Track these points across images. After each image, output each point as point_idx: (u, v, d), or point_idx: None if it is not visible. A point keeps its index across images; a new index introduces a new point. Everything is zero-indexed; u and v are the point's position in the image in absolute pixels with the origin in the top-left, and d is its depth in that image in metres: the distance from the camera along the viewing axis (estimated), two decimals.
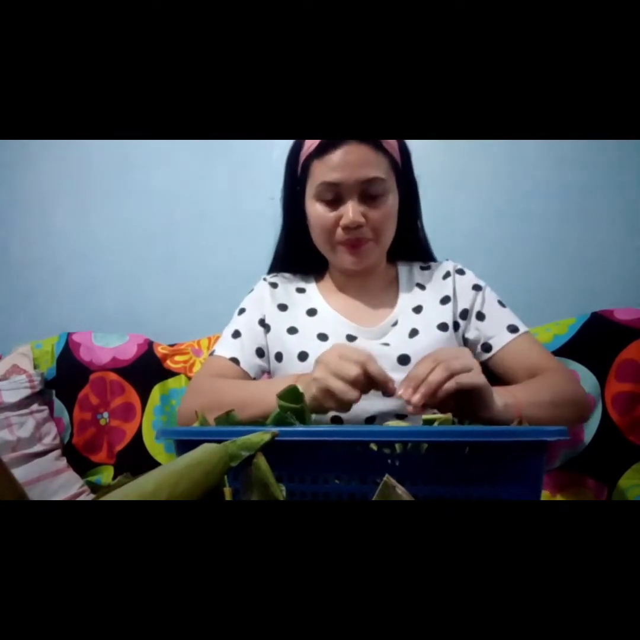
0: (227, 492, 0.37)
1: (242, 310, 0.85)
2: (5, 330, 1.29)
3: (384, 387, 0.57)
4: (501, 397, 0.58)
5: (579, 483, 0.90)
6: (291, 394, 0.49)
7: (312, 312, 0.82)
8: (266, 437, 0.38)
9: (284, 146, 0.81)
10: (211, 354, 0.82)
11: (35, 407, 1.03)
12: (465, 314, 0.80)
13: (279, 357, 0.79)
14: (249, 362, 0.79)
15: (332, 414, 0.68)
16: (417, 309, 0.80)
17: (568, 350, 0.93)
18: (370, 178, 0.71)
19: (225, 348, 0.80)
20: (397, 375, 0.72)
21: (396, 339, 0.77)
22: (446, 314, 0.79)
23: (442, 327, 0.77)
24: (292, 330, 0.80)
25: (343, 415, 0.70)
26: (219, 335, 1.08)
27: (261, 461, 0.37)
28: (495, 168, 1.20)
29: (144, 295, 1.30)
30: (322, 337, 0.78)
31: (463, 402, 0.55)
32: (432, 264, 0.88)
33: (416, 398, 0.53)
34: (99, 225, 1.32)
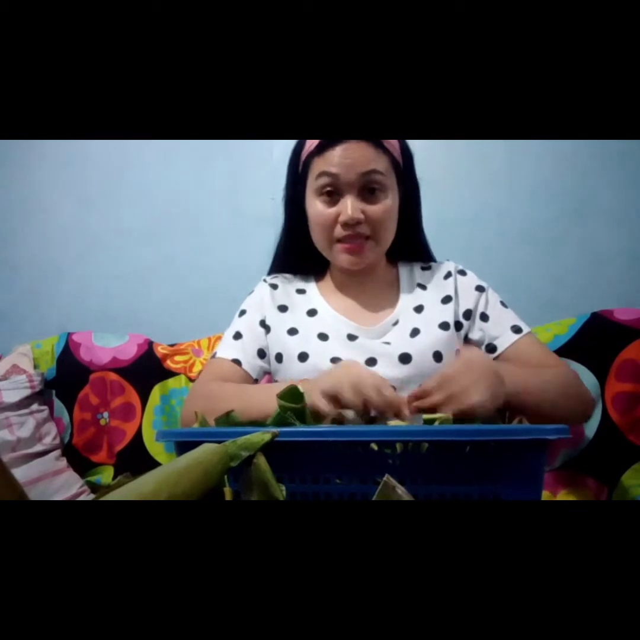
0: (227, 492, 0.37)
1: (242, 312, 0.85)
2: (5, 330, 1.28)
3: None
4: (512, 384, 0.61)
5: (579, 483, 0.90)
6: (291, 394, 0.49)
7: (312, 313, 0.82)
8: (266, 437, 0.38)
9: (284, 146, 0.81)
10: (213, 356, 0.82)
11: (35, 407, 1.03)
12: (468, 315, 0.80)
13: (279, 358, 0.79)
14: (251, 363, 0.80)
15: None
16: (418, 309, 0.80)
17: (568, 350, 0.93)
18: (369, 170, 0.71)
19: (227, 350, 0.80)
20: (398, 373, 0.72)
21: (397, 338, 0.77)
22: (447, 314, 0.79)
23: (444, 326, 0.78)
24: (293, 331, 0.80)
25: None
26: (219, 335, 1.09)
27: (261, 461, 0.37)
28: (495, 168, 1.20)
29: (144, 295, 1.30)
30: (323, 337, 0.78)
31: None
32: (433, 264, 0.88)
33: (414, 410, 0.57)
34: (99, 225, 1.32)
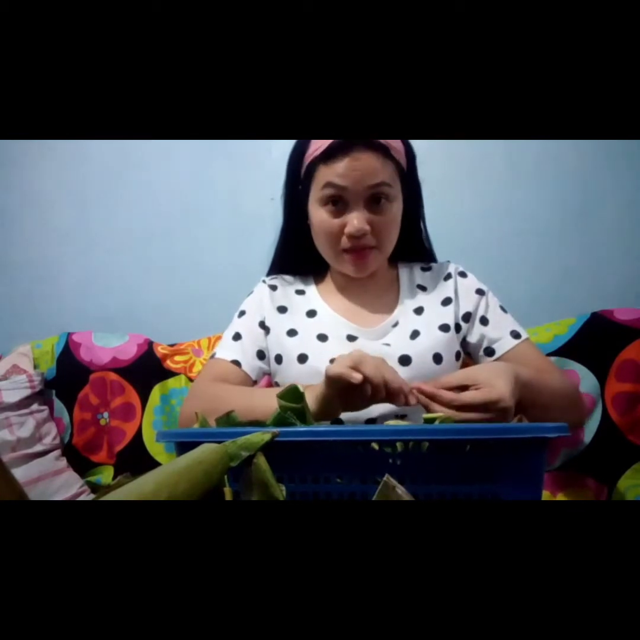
0: (227, 492, 0.37)
1: (242, 313, 0.85)
2: (5, 330, 1.28)
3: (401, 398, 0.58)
4: (521, 376, 0.61)
5: (579, 483, 0.90)
6: (291, 394, 0.49)
7: (311, 314, 0.82)
8: (266, 437, 0.38)
9: (284, 146, 0.81)
10: (212, 356, 0.82)
11: (35, 407, 1.03)
12: (467, 317, 0.80)
13: (278, 359, 0.79)
14: (250, 364, 0.79)
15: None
16: (418, 310, 0.80)
17: (568, 350, 0.93)
18: (376, 184, 0.71)
19: (226, 350, 0.80)
20: None
21: (397, 340, 0.77)
22: (447, 316, 0.79)
23: (444, 328, 0.78)
24: (292, 332, 0.80)
25: (343, 417, 0.70)
26: (219, 335, 1.09)
27: (261, 461, 0.37)
28: (495, 168, 1.20)
29: (144, 295, 1.30)
30: (322, 337, 0.78)
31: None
32: (433, 265, 0.88)
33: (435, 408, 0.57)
34: (99, 225, 1.32)
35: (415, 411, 0.72)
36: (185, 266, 1.30)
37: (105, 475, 1.06)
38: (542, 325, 0.97)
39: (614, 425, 0.88)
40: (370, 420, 0.72)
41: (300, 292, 0.87)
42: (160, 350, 1.09)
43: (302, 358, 0.76)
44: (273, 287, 0.86)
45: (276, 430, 0.40)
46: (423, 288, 0.84)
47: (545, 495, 0.90)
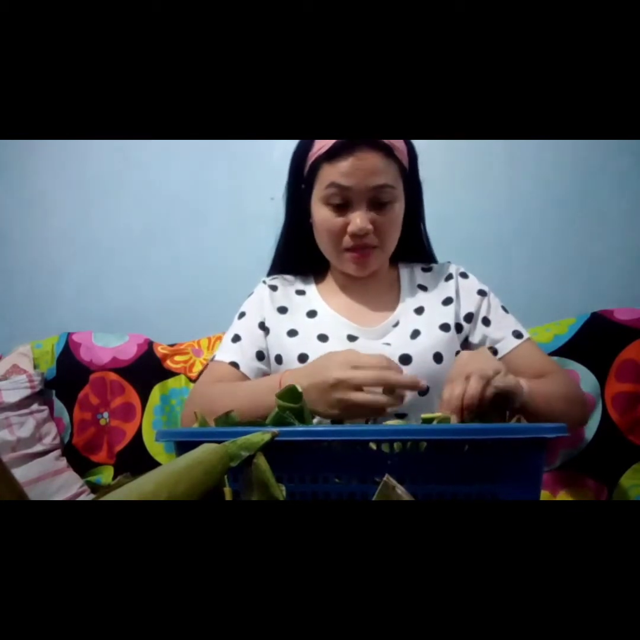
0: (227, 492, 0.37)
1: (242, 314, 0.86)
2: (5, 330, 1.28)
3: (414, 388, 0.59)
4: (525, 383, 0.62)
5: (579, 483, 0.90)
6: (290, 394, 0.49)
7: (312, 314, 0.82)
8: (266, 437, 0.38)
9: (284, 146, 0.81)
10: (212, 359, 0.82)
11: (35, 407, 1.03)
12: (469, 318, 0.80)
13: (278, 359, 0.79)
14: (249, 365, 0.79)
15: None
16: (419, 310, 0.81)
17: (568, 350, 0.93)
18: (380, 185, 0.71)
19: (225, 353, 0.80)
20: None
21: (397, 339, 0.77)
22: (448, 315, 0.79)
23: (444, 327, 0.78)
24: (292, 333, 0.80)
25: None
26: (219, 335, 1.09)
27: (261, 461, 0.37)
28: (495, 168, 1.20)
29: (144, 295, 1.30)
30: (322, 338, 0.78)
31: (499, 402, 0.58)
32: (434, 265, 0.88)
33: (466, 416, 0.56)
34: (99, 225, 1.32)
35: (415, 411, 0.72)
36: (185, 266, 1.30)
37: (105, 475, 1.06)
38: (542, 325, 0.98)
39: (614, 425, 0.88)
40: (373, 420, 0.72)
41: (300, 293, 0.87)
42: (160, 350, 1.09)
43: (303, 358, 0.76)
44: (273, 288, 0.86)
45: (276, 430, 0.40)
46: (424, 288, 0.84)
47: (545, 495, 0.90)
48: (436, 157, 1.17)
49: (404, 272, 0.87)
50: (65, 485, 0.98)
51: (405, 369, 0.72)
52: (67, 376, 1.08)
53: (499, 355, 0.77)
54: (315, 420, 0.62)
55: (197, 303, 1.28)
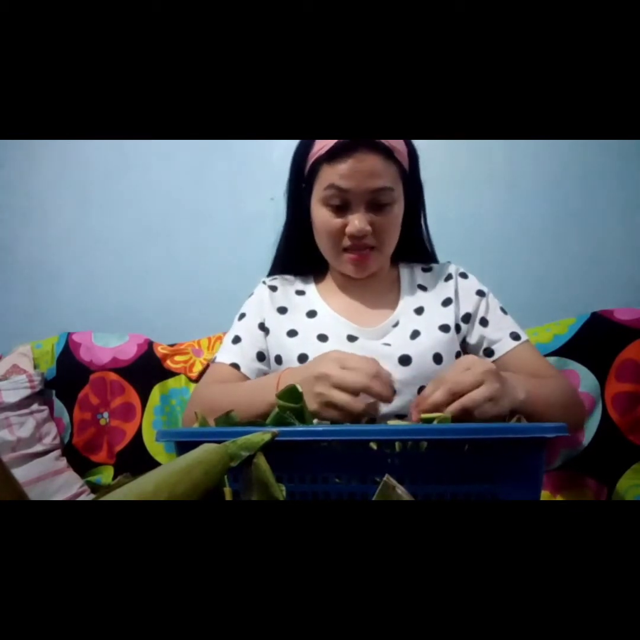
0: (227, 492, 0.37)
1: (242, 315, 0.86)
2: (5, 330, 1.28)
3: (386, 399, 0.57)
4: (524, 389, 0.60)
5: (579, 483, 0.90)
6: (290, 394, 0.49)
7: (311, 314, 0.82)
8: (266, 437, 0.38)
9: (284, 146, 0.81)
10: (213, 361, 0.82)
11: (35, 407, 1.03)
12: (467, 318, 0.80)
13: (278, 359, 0.79)
14: (250, 366, 0.80)
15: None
16: (419, 311, 0.80)
17: (568, 350, 0.93)
18: (379, 188, 0.71)
19: (226, 354, 0.81)
20: (398, 375, 0.72)
21: (397, 340, 0.77)
22: (448, 316, 0.79)
23: (444, 328, 0.78)
24: (292, 333, 0.80)
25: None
26: (219, 335, 1.09)
27: (261, 461, 0.37)
28: (495, 168, 1.20)
29: (144, 295, 1.30)
30: (322, 338, 0.78)
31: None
32: (434, 265, 0.88)
33: (414, 417, 0.55)
34: (99, 225, 1.32)
35: None
36: (185, 266, 1.30)
37: (105, 475, 1.06)
38: (542, 325, 0.98)
39: (614, 425, 0.88)
40: (371, 420, 0.72)
41: (300, 293, 0.87)
42: (160, 350, 1.09)
43: (303, 358, 0.76)
44: (273, 288, 0.86)
45: (276, 430, 0.40)
46: (424, 288, 0.84)
47: (545, 495, 0.90)
48: (436, 157, 1.17)
49: (404, 272, 0.87)
50: (65, 485, 0.98)
51: (405, 370, 0.72)
52: (67, 376, 1.08)
53: (496, 356, 0.77)
54: (315, 420, 0.62)
55: (197, 303, 1.28)
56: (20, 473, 0.94)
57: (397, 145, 0.73)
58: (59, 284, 1.33)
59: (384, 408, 0.71)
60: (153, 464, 1.03)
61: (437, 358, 0.74)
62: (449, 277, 0.84)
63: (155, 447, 1.04)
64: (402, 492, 0.32)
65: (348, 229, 0.73)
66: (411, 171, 0.78)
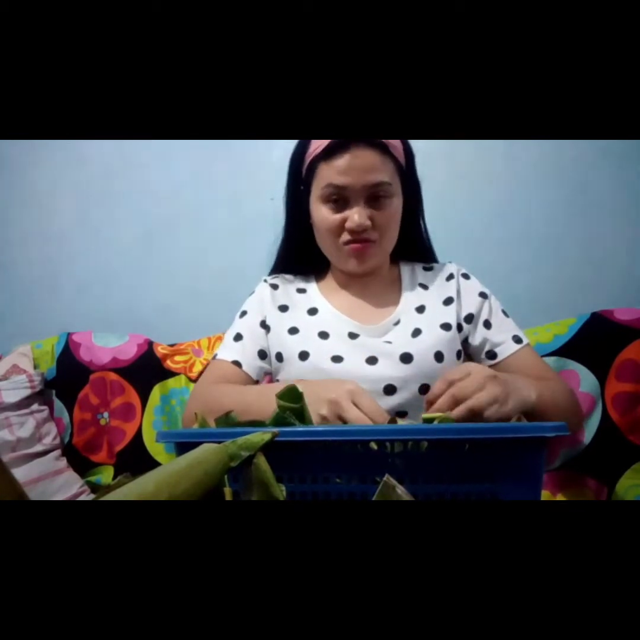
0: (227, 492, 0.37)
1: (243, 313, 0.86)
2: (5, 330, 1.28)
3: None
4: (535, 389, 0.62)
5: (579, 483, 0.90)
6: (290, 394, 0.49)
7: (312, 312, 0.83)
8: (266, 437, 0.38)
9: (284, 146, 0.81)
10: (213, 358, 0.82)
11: (35, 407, 1.03)
12: (470, 319, 0.80)
13: (279, 357, 0.79)
14: (251, 364, 0.80)
15: None
16: (420, 309, 0.81)
17: (568, 350, 0.93)
18: (376, 182, 0.71)
19: (227, 351, 0.81)
20: (399, 373, 0.72)
21: (398, 337, 0.77)
22: (449, 315, 0.79)
23: (445, 327, 0.78)
24: (293, 330, 0.80)
25: None
26: (219, 335, 1.09)
27: (261, 461, 0.37)
28: (495, 168, 1.20)
29: (144, 295, 1.30)
30: (323, 335, 0.78)
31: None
32: (435, 265, 0.88)
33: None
34: (99, 225, 1.32)
35: (416, 409, 0.72)
36: (185, 266, 1.30)
37: (105, 475, 1.06)
38: (542, 325, 0.98)
39: (614, 425, 0.88)
40: None
41: (301, 291, 0.87)
42: (160, 350, 1.09)
43: (304, 355, 0.76)
44: (274, 286, 0.86)
45: (276, 430, 0.40)
46: (425, 287, 0.84)
47: (545, 495, 0.90)
48: (436, 157, 1.17)
49: (405, 270, 0.87)
50: (65, 485, 0.98)
51: (406, 367, 0.73)
52: (67, 376, 1.08)
53: (499, 358, 0.77)
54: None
55: (197, 303, 1.28)
56: (20, 473, 0.94)
57: (393, 141, 0.74)
58: (59, 284, 1.33)
59: (384, 406, 0.71)
60: (153, 464, 1.03)
61: (439, 356, 0.74)
62: (450, 277, 0.84)
63: (155, 447, 1.04)
64: (402, 492, 0.32)
65: (347, 224, 0.73)
66: (407, 167, 0.78)
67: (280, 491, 0.36)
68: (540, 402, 0.62)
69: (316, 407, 0.56)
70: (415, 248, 0.87)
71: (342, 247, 0.76)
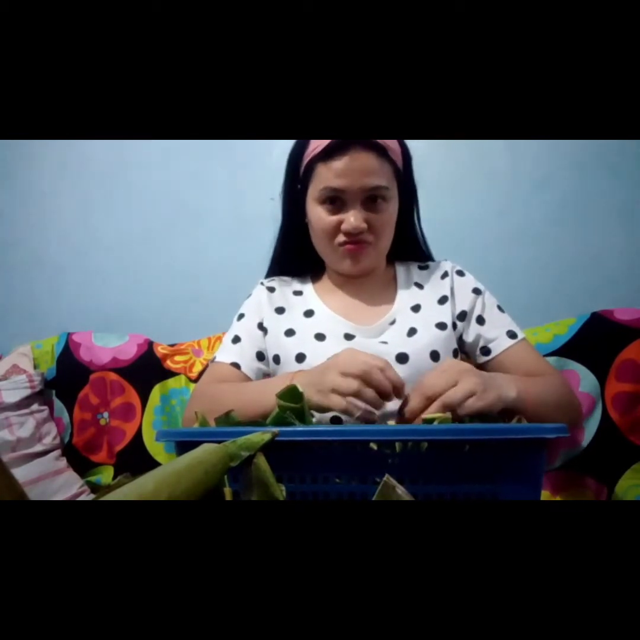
0: (227, 492, 0.37)
1: (241, 316, 0.86)
2: (6, 330, 1.28)
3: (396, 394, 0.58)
4: (515, 387, 0.60)
5: (579, 483, 0.90)
6: (290, 394, 0.49)
7: (309, 314, 0.83)
8: (266, 437, 0.38)
9: (284, 146, 0.81)
10: (212, 360, 0.82)
11: (35, 407, 1.03)
12: (463, 316, 0.80)
13: (276, 359, 0.80)
14: (250, 366, 0.80)
15: (332, 413, 0.68)
16: (416, 308, 0.81)
17: (568, 350, 0.93)
18: (373, 186, 0.71)
19: (226, 354, 0.81)
20: None
21: (394, 338, 0.77)
22: (444, 314, 0.79)
23: (441, 326, 0.78)
24: (290, 333, 0.80)
25: (344, 417, 0.70)
26: (219, 335, 1.09)
27: (261, 461, 0.37)
28: (495, 168, 1.20)
29: (144, 295, 1.30)
30: (320, 337, 0.78)
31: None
32: (430, 263, 0.88)
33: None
34: (99, 225, 1.32)
35: None
36: (185, 266, 1.30)
37: (105, 475, 1.06)
38: (542, 325, 0.97)
39: (614, 425, 0.88)
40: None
41: (297, 293, 0.87)
42: (160, 350, 1.09)
43: (300, 357, 0.76)
44: (271, 289, 0.87)
45: (276, 430, 0.40)
46: (420, 286, 0.84)
47: (545, 495, 0.90)
48: (436, 157, 1.17)
49: (400, 270, 0.87)
50: (65, 485, 0.98)
51: (402, 367, 0.73)
52: (67, 376, 1.08)
53: (492, 354, 0.77)
54: (314, 420, 0.62)
55: (197, 303, 1.28)
56: (20, 473, 0.94)
57: (391, 144, 0.74)
58: (59, 284, 1.33)
59: (384, 407, 0.71)
60: (153, 464, 1.03)
61: (434, 355, 0.74)
62: (445, 275, 0.84)
63: (155, 447, 1.04)
64: (402, 492, 0.32)
65: (343, 226, 0.73)
66: (405, 170, 0.78)
67: (280, 491, 0.36)
68: (523, 399, 0.60)
69: (338, 383, 0.56)
70: (411, 248, 0.87)
71: (337, 248, 0.77)
